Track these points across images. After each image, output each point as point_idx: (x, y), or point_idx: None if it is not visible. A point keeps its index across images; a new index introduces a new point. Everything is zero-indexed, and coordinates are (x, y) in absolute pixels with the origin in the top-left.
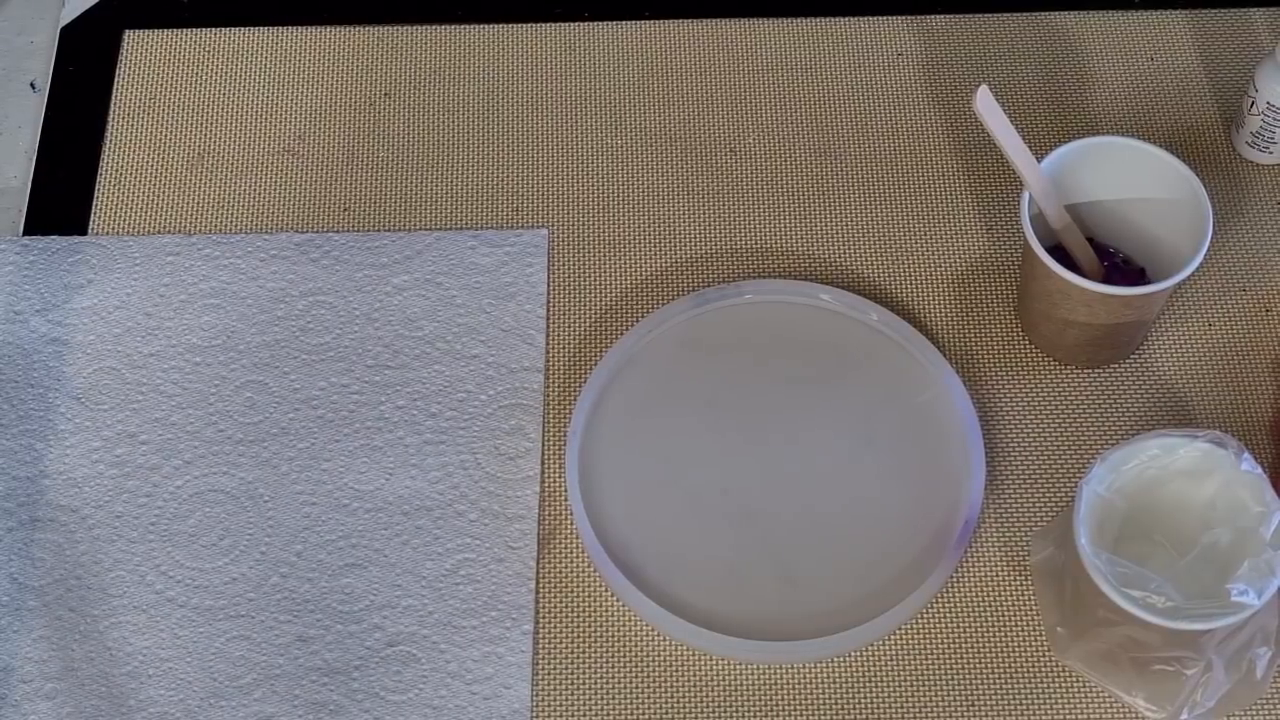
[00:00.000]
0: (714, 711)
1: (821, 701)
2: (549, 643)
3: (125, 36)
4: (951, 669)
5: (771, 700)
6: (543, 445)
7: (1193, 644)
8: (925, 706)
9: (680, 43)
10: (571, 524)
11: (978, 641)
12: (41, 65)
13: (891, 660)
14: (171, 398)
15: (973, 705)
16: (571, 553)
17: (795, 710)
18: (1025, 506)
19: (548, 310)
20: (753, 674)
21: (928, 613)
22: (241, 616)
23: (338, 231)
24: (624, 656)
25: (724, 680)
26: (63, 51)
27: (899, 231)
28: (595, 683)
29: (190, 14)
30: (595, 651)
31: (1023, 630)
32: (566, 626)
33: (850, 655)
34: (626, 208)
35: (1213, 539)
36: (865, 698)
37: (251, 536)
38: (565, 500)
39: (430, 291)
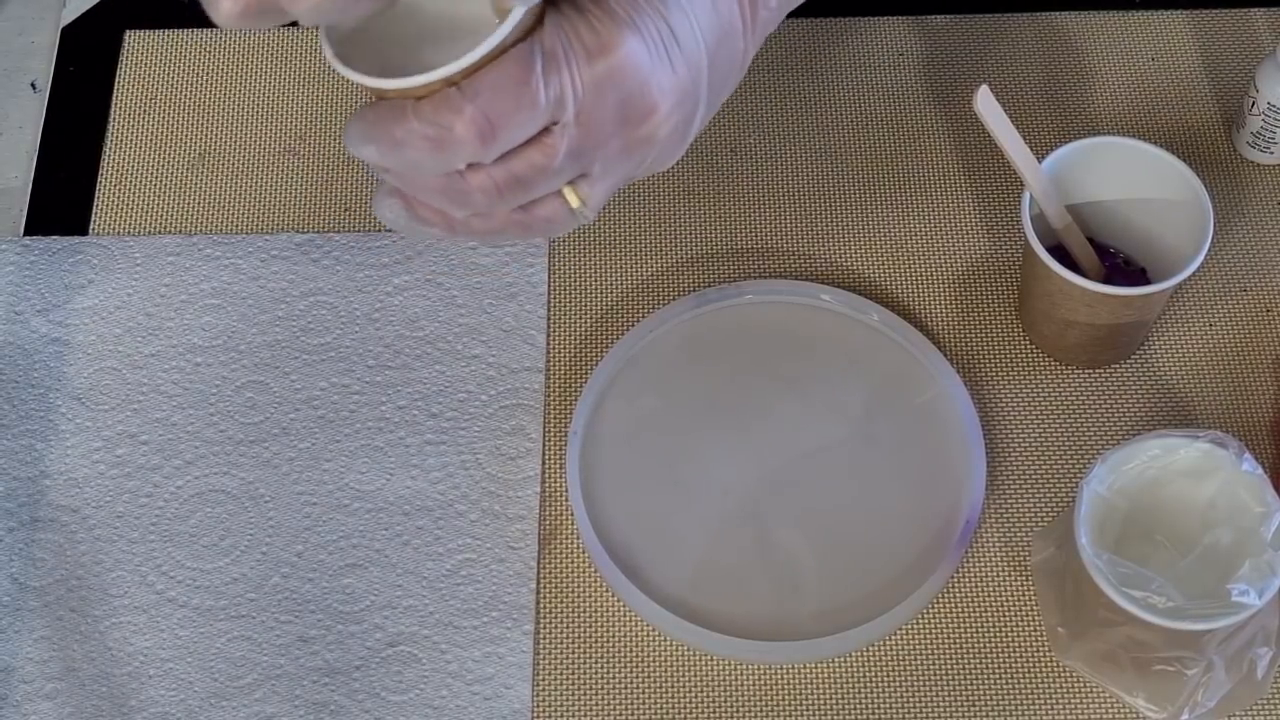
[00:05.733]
0: (714, 711)
1: (821, 701)
2: (549, 643)
3: (126, 36)
4: (951, 669)
5: (771, 700)
6: (543, 445)
7: (1193, 644)
8: (925, 706)
9: None
10: (572, 524)
11: (978, 641)
12: (42, 65)
13: (891, 660)
14: (172, 398)
15: (973, 705)
16: (572, 553)
17: (795, 710)
18: (1026, 506)
19: (548, 310)
20: (753, 674)
21: (928, 613)
22: (242, 617)
23: (338, 232)
24: (624, 656)
25: (724, 680)
26: (63, 51)
27: (899, 231)
28: (595, 683)
29: (191, 14)
30: (595, 651)
31: (1023, 630)
32: (567, 626)
33: (850, 655)
34: (627, 208)
35: (1213, 539)
36: (865, 698)
37: (252, 537)
38: (566, 500)
39: (431, 291)
